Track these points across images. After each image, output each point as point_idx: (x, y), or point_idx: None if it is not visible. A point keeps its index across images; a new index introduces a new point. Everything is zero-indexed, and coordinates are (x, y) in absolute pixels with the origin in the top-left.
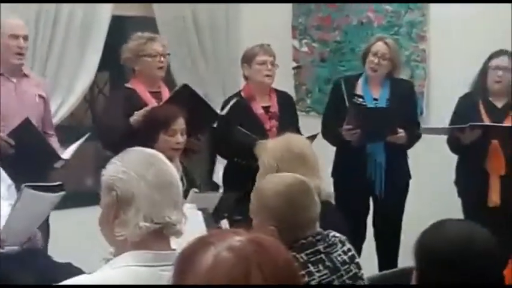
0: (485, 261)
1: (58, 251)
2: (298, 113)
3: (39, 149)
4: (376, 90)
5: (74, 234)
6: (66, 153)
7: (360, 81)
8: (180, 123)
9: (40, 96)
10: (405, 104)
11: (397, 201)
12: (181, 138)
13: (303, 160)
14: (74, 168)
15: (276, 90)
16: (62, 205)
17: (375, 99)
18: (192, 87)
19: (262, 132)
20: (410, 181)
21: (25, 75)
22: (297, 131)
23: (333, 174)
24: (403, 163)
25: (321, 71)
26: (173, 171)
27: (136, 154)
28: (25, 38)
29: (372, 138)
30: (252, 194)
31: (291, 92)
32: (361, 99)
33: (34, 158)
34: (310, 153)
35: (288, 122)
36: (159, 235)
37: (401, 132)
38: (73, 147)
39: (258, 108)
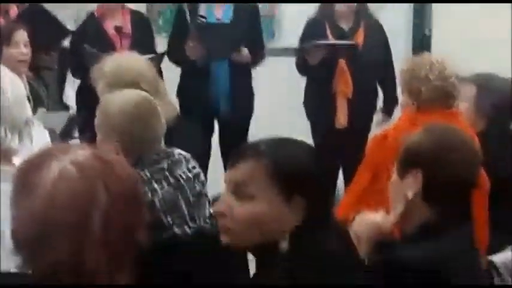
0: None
1: None
2: None
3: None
4: (219, 10)
5: None
6: None
7: (203, 3)
8: (22, 34)
9: None
10: (249, 23)
11: (242, 120)
12: (25, 50)
13: (140, 81)
14: None
15: (131, 11)
16: None
17: (218, 19)
18: (41, 4)
19: (113, 52)
20: (259, 102)
21: None
22: (153, 52)
23: (178, 95)
24: (247, 82)
25: None
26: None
27: None
28: None
29: (214, 56)
30: (97, 110)
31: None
32: (204, 19)
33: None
34: (149, 74)
35: (142, 42)
36: None
37: (244, 50)
38: None
39: (109, 27)
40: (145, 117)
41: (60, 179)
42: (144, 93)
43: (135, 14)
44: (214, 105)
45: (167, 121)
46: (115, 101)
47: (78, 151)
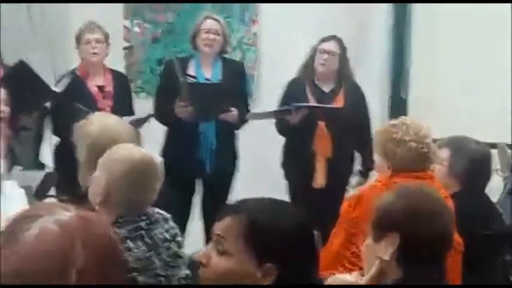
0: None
1: None
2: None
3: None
4: (208, 70)
5: None
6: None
7: (192, 62)
8: (1, 93)
9: None
10: (236, 83)
11: (225, 181)
12: (3, 108)
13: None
14: None
15: (112, 70)
16: None
17: (207, 79)
18: (27, 64)
19: (96, 112)
20: (239, 162)
21: None
22: (131, 111)
23: (163, 154)
24: (232, 143)
25: (153, 52)
26: None
27: None
28: None
29: (204, 116)
30: (99, 163)
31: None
32: (193, 79)
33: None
34: (126, 135)
35: (123, 102)
36: None
37: (234, 111)
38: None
39: (91, 86)
40: (145, 179)
41: (39, 235)
42: (144, 151)
43: (116, 73)
44: (199, 165)
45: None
46: (116, 158)
47: (63, 211)
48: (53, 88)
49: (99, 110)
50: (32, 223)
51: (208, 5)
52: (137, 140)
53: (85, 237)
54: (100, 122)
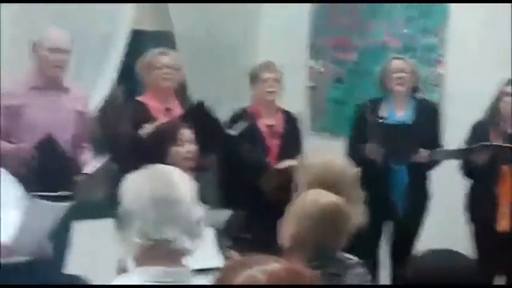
0: None
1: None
2: (312, 133)
3: (61, 163)
4: (400, 110)
5: (87, 246)
6: (88, 168)
7: (384, 103)
8: (187, 133)
9: (78, 110)
10: (429, 124)
11: (415, 223)
12: (190, 147)
13: (340, 183)
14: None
15: (284, 110)
16: (77, 216)
17: (399, 120)
18: (206, 106)
19: (264, 150)
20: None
21: (64, 89)
22: (300, 151)
23: None
24: (424, 184)
25: (336, 92)
26: (182, 187)
27: (145, 170)
28: (65, 51)
29: (396, 157)
30: (290, 207)
31: (305, 112)
32: (385, 120)
33: (56, 171)
34: (348, 177)
35: (291, 142)
36: (166, 251)
37: (425, 152)
38: (96, 163)
39: (262, 125)
40: (332, 224)
41: (245, 283)
42: (334, 196)
43: (287, 113)
44: (389, 208)
45: (352, 229)
46: (304, 203)
47: (274, 263)
48: (229, 131)
49: (267, 148)
50: (242, 271)
51: (393, 46)
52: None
53: (290, 284)
54: (319, 160)
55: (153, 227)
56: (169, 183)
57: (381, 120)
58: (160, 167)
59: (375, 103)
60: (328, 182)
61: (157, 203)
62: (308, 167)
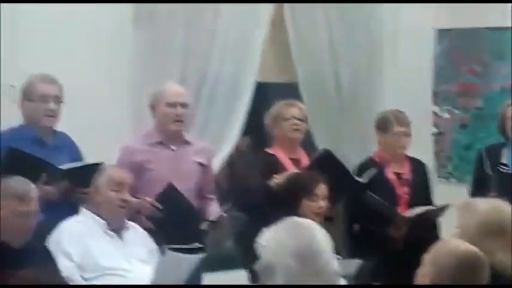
0: None
1: None
2: (439, 179)
3: (184, 213)
4: None
5: None
6: (213, 215)
7: (505, 150)
8: (323, 189)
9: (199, 162)
10: None
11: None
12: (323, 203)
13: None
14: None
15: (410, 158)
16: (208, 267)
17: None
18: (333, 154)
19: (393, 199)
20: None
21: (186, 142)
22: (429, 199)
23: None
24: None
25: (461, 138)
26: (322, 240)
27: (286, 223)
28: (183, 105)
29: None
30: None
31: (431, 159)
32: (506, 168)
33: (181, 221)
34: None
35: (420, 189)
36: None
37: None
38: (220, 211)
39: (390, 173)
40: (471, 274)
41: None
42: (472, 247)
43: (414, 161)
44: None
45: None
46: (444, 250)
47: None
48: (358, 179)
49: (396, 197)
50: None
51: None
52: None
53: None
54: (491, 207)
55: (297, 280)
56: (312, 236)
57: (505, 169)
58: (300, 220)
59: (496, 149)
60: (496, 226)
61: (302, 256)
62: (474, 212)
